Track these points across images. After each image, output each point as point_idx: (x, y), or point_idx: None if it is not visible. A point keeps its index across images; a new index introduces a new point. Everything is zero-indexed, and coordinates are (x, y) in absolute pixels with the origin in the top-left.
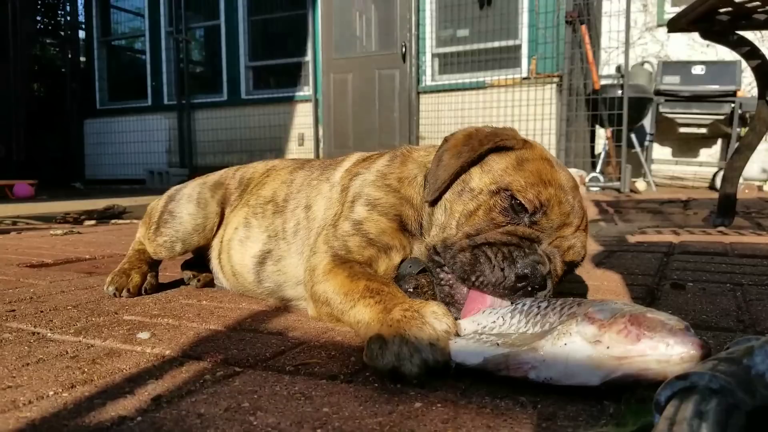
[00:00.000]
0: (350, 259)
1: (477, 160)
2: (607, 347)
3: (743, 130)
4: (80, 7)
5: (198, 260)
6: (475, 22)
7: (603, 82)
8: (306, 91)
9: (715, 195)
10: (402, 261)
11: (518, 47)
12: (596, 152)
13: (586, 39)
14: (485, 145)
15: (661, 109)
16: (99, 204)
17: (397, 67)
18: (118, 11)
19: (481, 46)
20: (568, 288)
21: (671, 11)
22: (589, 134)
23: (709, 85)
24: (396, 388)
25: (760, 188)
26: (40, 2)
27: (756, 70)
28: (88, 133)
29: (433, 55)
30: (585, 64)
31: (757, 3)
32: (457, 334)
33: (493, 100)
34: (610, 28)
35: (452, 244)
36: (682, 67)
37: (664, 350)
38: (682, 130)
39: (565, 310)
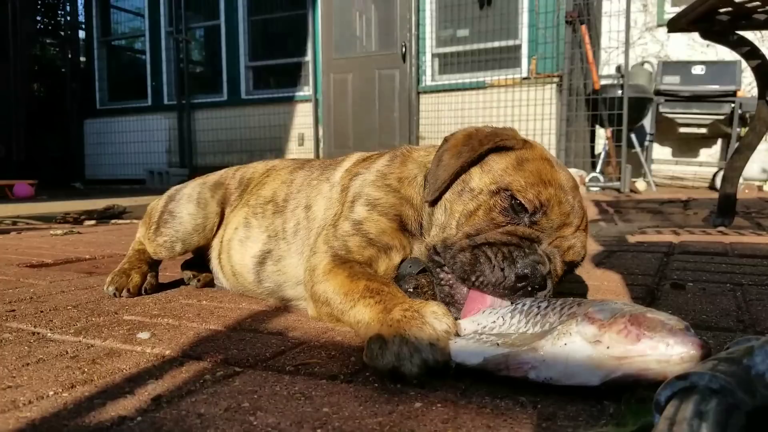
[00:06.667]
0: (350, 259)
1: (477, 160)
2: (607, 347)
3: (743, 130)
4: (80, 7)
5: (198, 260)
6: (475, 22)
7: (603, 82)
8: (306, 91)
9: (715, 195)
10: (402, 261)
11: (518, 47)
12: (596, 152)
13: (586, 39)
14: (485, 145)
15: (661, 109)
16: (99, 204)
17: (397, 67)
18: (118, 11)
19: (481, 46)
20: (568, 288)
21: (671, 11)
22: (589, 134)
23: (709, 85)
24: (396, 388)
25: (760, 188)
26: (40, 2)
27: (756, 70)
28: (88, 133)
29: (433, 55)
30: (585, 64)
31: (757, 3)
32: (457, 334)
33: (493, 100)
34: (610, 28)
35: (452, 244)
36: (682, 67)
37: (664, 350)
38: (682, 130)
39: (565, 310)
